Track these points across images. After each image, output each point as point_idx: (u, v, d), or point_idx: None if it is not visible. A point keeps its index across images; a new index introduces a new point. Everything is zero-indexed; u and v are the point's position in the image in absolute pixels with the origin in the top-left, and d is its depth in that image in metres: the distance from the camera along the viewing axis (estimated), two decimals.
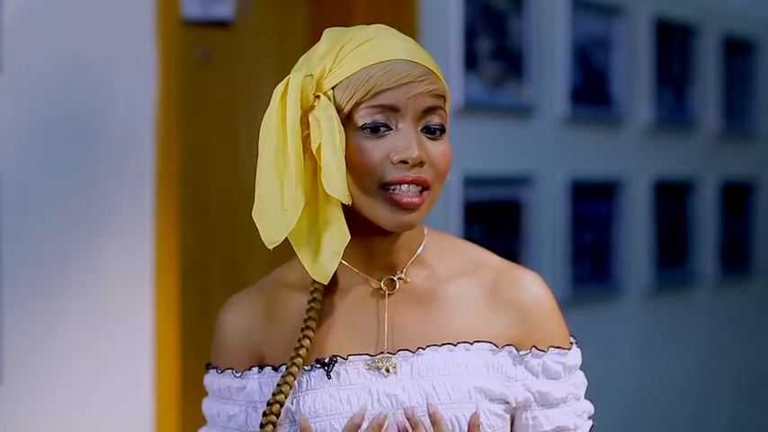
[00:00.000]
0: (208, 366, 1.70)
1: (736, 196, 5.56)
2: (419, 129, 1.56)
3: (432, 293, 1.63)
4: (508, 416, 1.62)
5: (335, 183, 1.53)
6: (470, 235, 3.84)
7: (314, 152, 1.55)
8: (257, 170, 1.59)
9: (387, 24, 1.62)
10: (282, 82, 1.57)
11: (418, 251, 1.65)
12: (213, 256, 3.39)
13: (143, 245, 2.84)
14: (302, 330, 1.60)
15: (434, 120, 1.57)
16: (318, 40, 1.62)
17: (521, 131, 4.17)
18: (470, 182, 3.86)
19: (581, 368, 1.68)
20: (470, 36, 3.86)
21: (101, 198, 2.76)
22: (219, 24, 3.43)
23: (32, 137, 2.63)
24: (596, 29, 4.55)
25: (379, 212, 1.56)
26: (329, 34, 1.61)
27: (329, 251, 1.56)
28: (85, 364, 2.73)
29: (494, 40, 4.00)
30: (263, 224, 1.57)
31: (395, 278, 1.63)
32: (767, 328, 5.82)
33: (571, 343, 1.66)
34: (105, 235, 2.77)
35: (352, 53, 1.55)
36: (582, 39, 4.46)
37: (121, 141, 2.80)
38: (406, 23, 3.48)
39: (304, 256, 1.58)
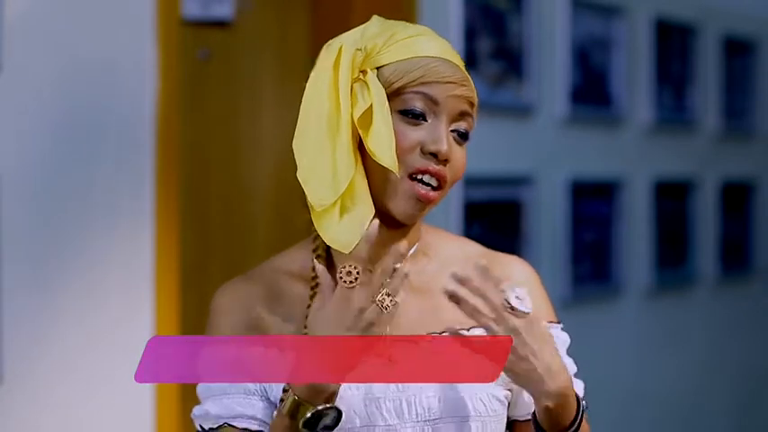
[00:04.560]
0: None
1: (736, 196, 5.56)
2: (450, 129, 1.61)
3: (428, 284, 1.66)
4: (507, 402, 1.65)
5: (386, 150, 1.56)
6: (470, 235, 3.82)
7: (355, 121, 1.57)
8: (299, 135, 1.59)
9: None
10: (333, 50, 1.60)
11: (416, 245, 1.68)
12: (213, 256, 3.40)
13: (143, 245, 2.84)
14: (306, 319, 1.60)
15: (464, 125, 1.63)
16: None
17: (521, 131, 4.17)
18: (470, 182, 3.86)
19: (577, 367, 1.70)
20: (470, 36, 3.86)
21: (101, 198, 2.76)
22: (219, 24, 3.43)
23: (32, 136, 2.63)
24: (596, 29, 4.55)
25: (395, 200, 1.59)
26: (378, 21, 1.66)
27: (354, 222, 1.57)
28: (86, 364, 2.73)
29: (494, 40, 4.00)
30: (310, 186, 1.57)
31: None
32: (767, 328, 5.82)
33: (558, 322, 1.71)
34: (105, 235, 2.77)
35: (404, 41, 1.61)
36: (582, 39, 4.46)
37: (121, 141, 2.80)
38: None
39: (325, 226, 1.58)
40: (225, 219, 3.42)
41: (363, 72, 1.59)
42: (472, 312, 1.54)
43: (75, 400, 2.71)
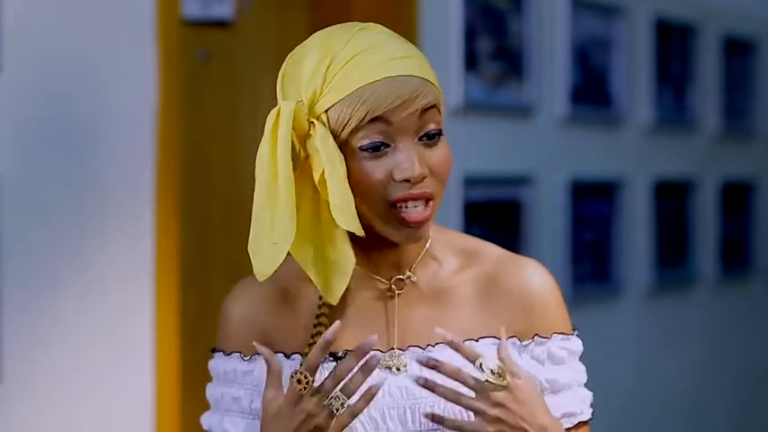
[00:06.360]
0: (213, 351, 1.69)
1: (736, 196, 5.56)
2: (417, 139, 1.55)
3: (437, 291, 1.64)
4: None
5: (345, 216, 1.52)
6: (470, 235, 3.84)
7: (315, 181, 1.54)
8: (254, 205, 1.57)
9: (386, 25, 1.61)
10: (274, 110, 1.55)
11: (426, 248, 1.66)
12: (213, 256, 3.40)
13: (143, 244, 2.84)
14: (316, 321, 1.60)
15: (431, 127, 1.55)
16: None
17: (521, 131, 4.17)
18: (470, 182, 3.86)
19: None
20: (470, 36, 3.86)
21: (101, 198, 2.76)
22: (219, 24, 3.43)
23: (32, 137, 2.63)
24: (596, 29, 4.56)
25: (388, 230, 1.56)
26: (314, 43, 1.57)
27: (338, 274, 1.56)
28: (85, 363, 2.73)
29: (494, 40, 4.00)
30: (255, 259, 1.56)
31: (403, 277, 1.63)
32: (767, 328, 5.82)
33: (573, 330, 1.67)
34: (105, 235, 2.77)
35: (342, 72, 1.52)
36: (582, 39, 4.46)
37: (121, 141, 2.80)
38: (405, 23, 3.48)
39: (315, 278, 1.58)
40: (225, 219, 3.42)
41: (312, 124, 1.53)
42: (452, 396, 1.51)
43: (75, 400, 2.71)
